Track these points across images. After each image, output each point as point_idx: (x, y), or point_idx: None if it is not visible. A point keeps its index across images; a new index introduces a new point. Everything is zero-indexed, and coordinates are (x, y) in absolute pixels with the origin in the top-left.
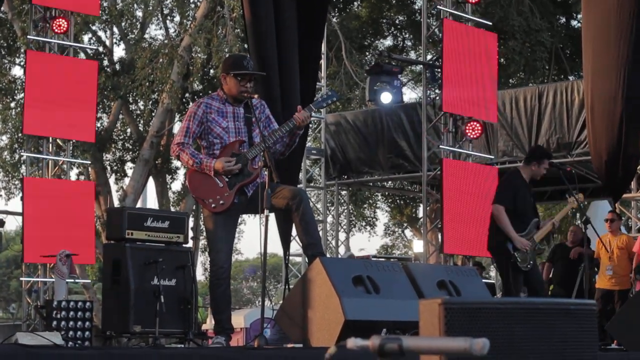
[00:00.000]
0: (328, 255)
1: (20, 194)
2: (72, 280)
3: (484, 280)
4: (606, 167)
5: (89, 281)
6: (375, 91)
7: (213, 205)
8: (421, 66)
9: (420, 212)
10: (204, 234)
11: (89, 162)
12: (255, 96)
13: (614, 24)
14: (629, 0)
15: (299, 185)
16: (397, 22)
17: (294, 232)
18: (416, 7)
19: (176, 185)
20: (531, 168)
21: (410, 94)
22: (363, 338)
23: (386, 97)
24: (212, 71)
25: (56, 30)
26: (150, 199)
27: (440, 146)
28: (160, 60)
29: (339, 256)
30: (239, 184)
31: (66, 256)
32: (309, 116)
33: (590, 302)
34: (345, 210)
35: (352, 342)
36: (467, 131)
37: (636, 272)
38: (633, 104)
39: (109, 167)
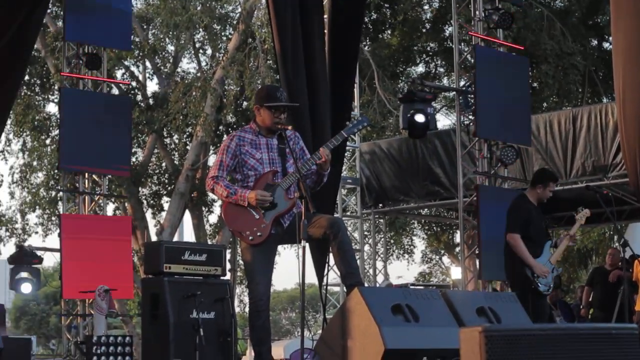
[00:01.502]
0: (366, 284)
1: (58, 231)
2: (112, 316)
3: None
4: None
5: (130, 315)
6: (409, 119)
7: (250, 238)
8: (454, 92)
9: (457, 239)
10: (242, 266)
11: (126, 197)
12: (289, 127)
13: None
14: None
15: (335, 215)
16: (428, 49)
17: (330, 261)
18: (447, 34)
19: (213, 218)
20: (537, 191)
21: (444, 121)
22: None
23: (420, 117)
24: (245, 103)
25: (89, 66)
26: (187, 232)
27: (476, 172)
28: (194, 93)
29: (377, 285)
30: (275, 215)
31: (105, 291)
32: (328, 152)
33: (632, 326)
34: (382, 239)
35: None
36: (502, 156)
37: None
38: None
39: (145, 202)
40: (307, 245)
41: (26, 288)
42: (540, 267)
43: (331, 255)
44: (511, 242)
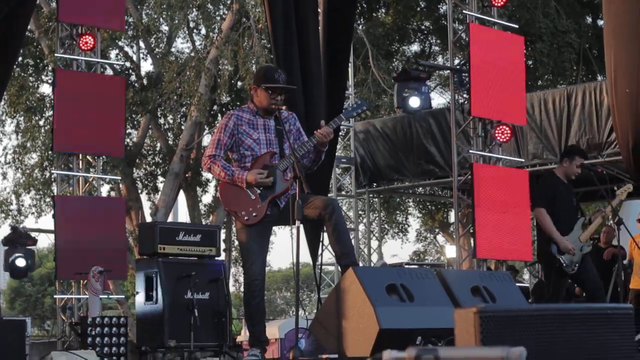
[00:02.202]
0: (361, 264)
1: (52, 212)
2: (106, 297)
3: (517, 284)
4: (635, 163)
5: (123, 296)
6: (403, 98)
7: (246, 218)
8: (449, 71)
9: (452, 217)
10: (237, 246)
11: (120, 178)
12: (284, 108)
13: (634, 21)
14: None
15: (329, 195)
16: (423, 27)
17: (325, 241)
18: (442, 12)
19: (207, 198)
20: (563, 165)
21: (438, 99)
22: (398, 347)
23: (414, 102)
24: (239, 83)
25: (83, 47)
26: (182, 213)
27: (470, 151)
28: (188, 73)
29: (372, 264)
30: (271, 196)
31: (99, 272)
32: (331, 132)
33: (627, 307)
34: (377, 218)
35: (388, 355)
36: (496, 135)
37: None
38: None
39: (139, 182)
40: (301, 225)
41: (21, 262)
42: (565, 244)
43: (325, 235)
44: (537, 217)
